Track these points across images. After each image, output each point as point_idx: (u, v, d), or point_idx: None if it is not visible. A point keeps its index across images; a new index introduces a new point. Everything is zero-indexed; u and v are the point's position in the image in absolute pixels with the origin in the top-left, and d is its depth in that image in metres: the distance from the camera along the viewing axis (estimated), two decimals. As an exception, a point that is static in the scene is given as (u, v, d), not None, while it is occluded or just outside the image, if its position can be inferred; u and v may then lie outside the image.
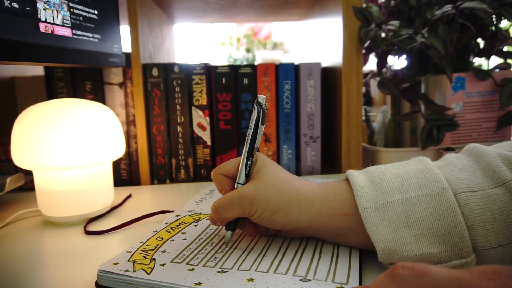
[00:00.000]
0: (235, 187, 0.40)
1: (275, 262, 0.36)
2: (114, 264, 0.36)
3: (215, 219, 0.40)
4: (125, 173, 0.71)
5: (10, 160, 0.66)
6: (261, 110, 0.39)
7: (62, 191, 0.50)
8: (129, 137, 0.70)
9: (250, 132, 0.40)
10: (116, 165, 0.70)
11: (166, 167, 0.71)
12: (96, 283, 0.35)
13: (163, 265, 0.36)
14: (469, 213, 0.32)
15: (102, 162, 0.52)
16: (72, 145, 0.48)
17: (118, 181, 0.70)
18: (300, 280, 0.32)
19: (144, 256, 0.37)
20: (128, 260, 0.36)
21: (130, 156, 0.70)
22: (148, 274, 0.34)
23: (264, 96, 0.40)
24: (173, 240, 0.41)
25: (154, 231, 0.44)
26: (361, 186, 0.36)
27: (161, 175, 0.71)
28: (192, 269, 0.35)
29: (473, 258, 0.32)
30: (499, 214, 0.32)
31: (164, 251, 0.39)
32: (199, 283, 0.32)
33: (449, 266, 0.32)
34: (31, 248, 0.44)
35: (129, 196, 0.62)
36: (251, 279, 0.32)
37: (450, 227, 0.32)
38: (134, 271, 0.34)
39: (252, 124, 0.40)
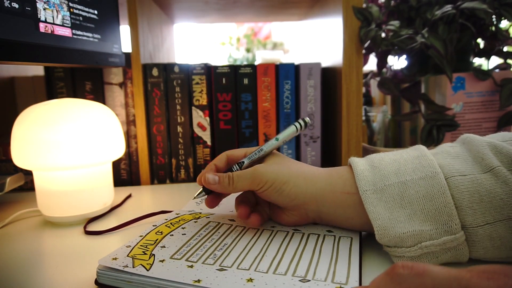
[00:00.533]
0: (233, 167, 0.44)
1: (275, 261, 0.36)
2: (113, 259, 0.36)
3: (224, 185, 0.42)
4: (125, 173, 0.71)
5: (10, 160, 0.66)
6: (305, 127, 0.45)
7: (62, 191, 0.50)
8: (129, 137, 0.70)
9: (281, 144, 0.45)
10: (116, 165, 0.70)
11: (166, 167, 0.71)
12: (96, 281, 0.35)
13: (162, 261, 0.35)
14: (458, 194, 0.35)
15: (102, 162, 0.52)
16: (72, 145, 0.48)
17: (118, 181, 0.70)
18: (300, 280, 0.32)
19: (143, 252, 0.37)
20: (128, 255, 0.36)
21: (130, 156, 0.70)
22: (147, 270, 0.34)
23: (309, 120, 0.46)
24: (172, 235, 0.41)
25: (153, 225, 0.44)
26: (361, 170, 0.39)
27: (161, 175, 0.71)
28: (192, 266, 0.35)
29: (461, 234, 0.34)
30: (486, 195, 0.34)
31: (164, 247, 0.39)
32: (198, 281, 0.32)
33: (440, 242, 0.34)
34: (31, 248, 0.44)
35: (129, 196, 0.62)
36: (251, 279, 0.32)
37: (441, 207, 0.35)
38: (133, 267, 0.34)
39: (287, 139, 0.45)
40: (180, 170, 0.71)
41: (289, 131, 0.44)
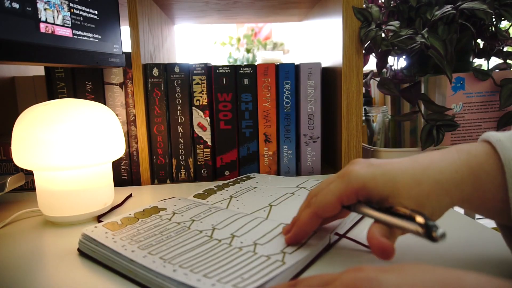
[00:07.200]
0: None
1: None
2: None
3: None
4: (125, 173, 0.71)
5: (11, 160, 0.66)
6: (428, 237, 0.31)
7: (63, 191, 0.50)
8: (130, 137, 0.70)
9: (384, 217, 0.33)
10: (116, 165, 0.70)
11: (167, 167, 0.71)
12: (78, 249, 0.42)
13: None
14: None
15: (102, 162, 0.52)
16: (73, 145, 0.48)
17: (119, 181, 0.70)
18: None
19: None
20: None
21: (130, 156, 0.70)
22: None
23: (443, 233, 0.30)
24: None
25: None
26: None
27: (162, 175, 0.71)
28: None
29: None
30: None
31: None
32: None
33: None
34: (31, 248, 0.44)
35: (130, 196, 0.62)
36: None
37: None
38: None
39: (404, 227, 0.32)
40: (180, 170, 0.71)
41: (407, 225, 0.31)
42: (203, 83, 0.70)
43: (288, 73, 0.70)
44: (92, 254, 0.40)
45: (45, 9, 0.44)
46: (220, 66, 0.69)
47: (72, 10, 0.50)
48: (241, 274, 0.32)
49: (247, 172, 0.72)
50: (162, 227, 0.43)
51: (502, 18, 0.70)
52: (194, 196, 0.56)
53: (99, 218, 0.53)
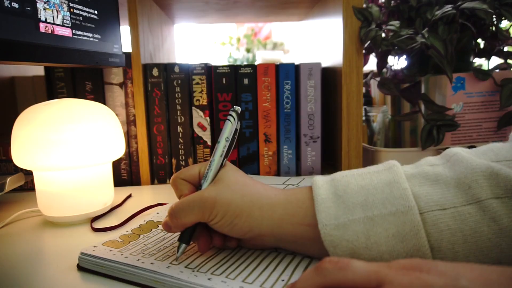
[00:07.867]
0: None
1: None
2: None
3: (170, 225, 0.37)
4: (125, 173, 0.71)
5: (10, 160, 0.66)
6: (237, 116, 0.39)
7: (62, 191, 0.50)
8: (130, 137, 0.70)
9: (226, 144, 0.38)
10: (116, 165, 0.70)
11: (167, 167, 0.71)
12: (78, 265, 0.38)
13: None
14: (437, 234, 0.30)
15: (102, 162, 0.52)
16: (73, 145, 0.48)
17: (119, 181, 0.70)
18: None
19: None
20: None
21: (130, 156, 0.70)
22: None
23: (239, 108, 0.40)
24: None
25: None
26: (323, 199, 0.34)
27: (162, 175, 0.71)
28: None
29: None
30: (470, 235, 0.30)
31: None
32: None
33: None
34: (31, 248, 0.44)
35: (129, 196, 0.62)
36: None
37: (412, 251, 0.30)
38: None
39: (230, 135, 0.38)
40: (180, 170, 0.71)
41: (227, 128, 0.38)
42: (203, 83, 0.70)
43: (288, 73, 0.70)
44: (98, 269, 0.37)
45: (44, 9, 0.44)
46: (220, 66, 0.69)
47: (72, 10, 0.50)
48: (279, 276, 0.33)
49: (247, 172, 0.72)
50: (168, 240, 0.42)
51: (503, 18, 0.70)
52: None
53: (97, 218, 0.53)
